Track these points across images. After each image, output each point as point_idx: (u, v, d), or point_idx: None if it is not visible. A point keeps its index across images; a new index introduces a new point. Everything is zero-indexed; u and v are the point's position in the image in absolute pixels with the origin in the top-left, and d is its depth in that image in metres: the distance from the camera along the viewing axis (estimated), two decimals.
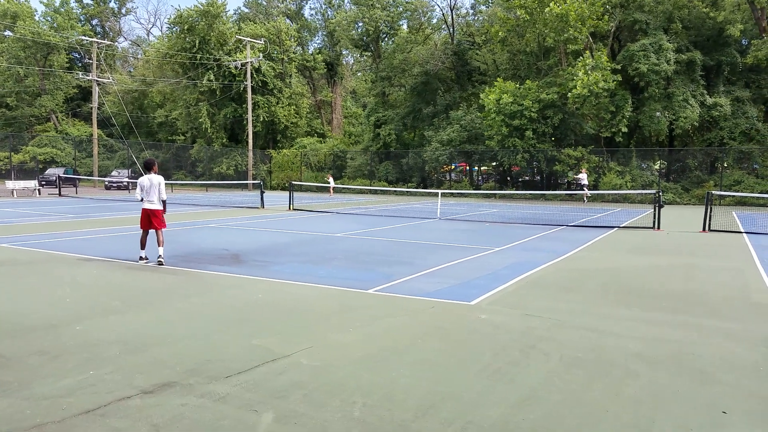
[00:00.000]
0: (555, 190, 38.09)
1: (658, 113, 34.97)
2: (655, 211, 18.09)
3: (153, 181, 10.67)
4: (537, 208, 28.32)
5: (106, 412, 4.07)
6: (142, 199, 10.73)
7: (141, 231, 10.84)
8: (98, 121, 50.06)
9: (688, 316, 7.10)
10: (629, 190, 33.23)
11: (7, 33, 59.27)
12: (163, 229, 10.70)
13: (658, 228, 17.62)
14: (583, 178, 33.28)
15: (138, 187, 10.76)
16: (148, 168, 10.91)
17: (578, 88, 33.01)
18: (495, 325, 6.56)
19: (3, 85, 60.28)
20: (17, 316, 6.65)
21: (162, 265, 10.13)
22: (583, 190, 32.21)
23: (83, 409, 4.11)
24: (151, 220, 10.65)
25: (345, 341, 5.91)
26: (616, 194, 33.97)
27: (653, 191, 21.22)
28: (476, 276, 9.54)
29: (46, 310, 6.95)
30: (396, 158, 46.45)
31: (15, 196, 32.67)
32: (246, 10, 67.47)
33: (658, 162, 39.59)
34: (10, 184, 34.14)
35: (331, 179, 41.52)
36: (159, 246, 10.47)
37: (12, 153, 48.49)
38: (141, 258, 10.49)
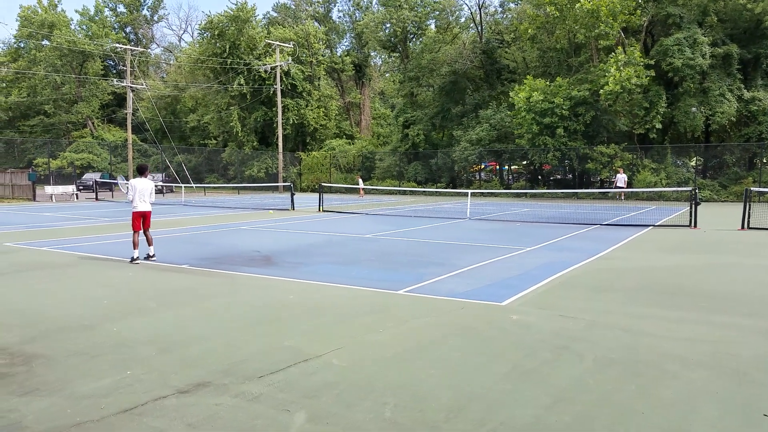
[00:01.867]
0: (587, 188, 37.58)
1: (693, 109, 34.23)
2: (691, 208, 17.71)
3: (146, 185, 11.32)
4: (569, 207, 27.98)
5: (143, 412, 4.16)
6: (132, 200, 11.30)
7: (133, 233, 11.25)
8: (132, 127, 51.07)
9: (725, 315, 6.94)
10: (664, 187, 32.59)
11: (45, 42, 60.92)
12: (148, 229, 11.42)
13: (695, 226, 17.25)
14: (620, 179, 32.69)
15: (130, 187, 11.35)
16: (141, 172, 11.65)
17: (610, 84, 32.52)
18: (526, 325, 6.51)
19: (41, 93, 62.01)
20: (57, 316, 6.83)
21: (151, 259, 10.96)
22: (619, 189, 31.76)
23: (121, 409, 4.20)
24: (143, 221, 11.27)
25: (376, 341, 5.93)
26: (650, 192, 33.33)
27: (689, 188, 20.79)
28: (507, 276, 9.47)
29: (84, 311, 7.13)
30: (425, 158, 46.36)
31: (54, 200, 33.56)
32: (275, 14, 68.15)
33: (694, 158, 38.73)
34: (49, 189, 35.10)
35: (360, 180, 41.64)
36: (150, 245, 11.17)
37: (50, 159, 49.85)
38: (134, 259, 10.83)
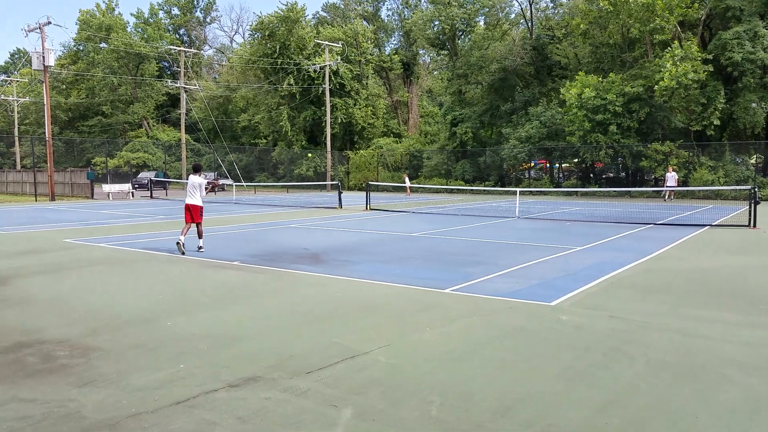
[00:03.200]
0: (641, 186, 36.58)
1: (753, 104, 32.87)
2: (750, 207, 17.04)
3: (195, 182, 12.32)
4: (622, 206, 27.30)
5: (195, 404, 4.28)
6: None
7: (201, 225, 12.37)
8: (186, 127, 52.43)
9: None
10: (722, 186, 31.42)
11: (102, 45, 63.11)
12: (200, 223, 12.30)
13: (755, 226, 16.58)
14: (670, 177, 31.47)
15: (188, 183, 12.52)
16: (196, 171, 12.60)
17: (666, 80, 31.55)
18: (576, 326, 6.39)
19: (99, 95, 64.35)
20: (115, 311, 7.09)
21: (200, 251, 11.88)
22: (669, 188, 30.64)
23: (174, 401, 4.34)
24: (191, 214, 12.20)
25: (422, 340, 5.93)
26: (707, 191, 32.18)
27: (748, 187, 20.00)
28: (557, 276, 9.32)
29: (140, 305, 7.38)
30: (473, 157, 46.00)
31: (110, 198, 34.77)
32: (324, 14, 68.78)
33: (754, 156, 37.20)
34: (107, 187, 36.36)
35: (407, 179, 41.60)
36: (199, 238, 12.18)
37: (108, 158, 51.66)
38: (178, 243, 11.76)
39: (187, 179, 12.71)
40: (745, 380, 4.77)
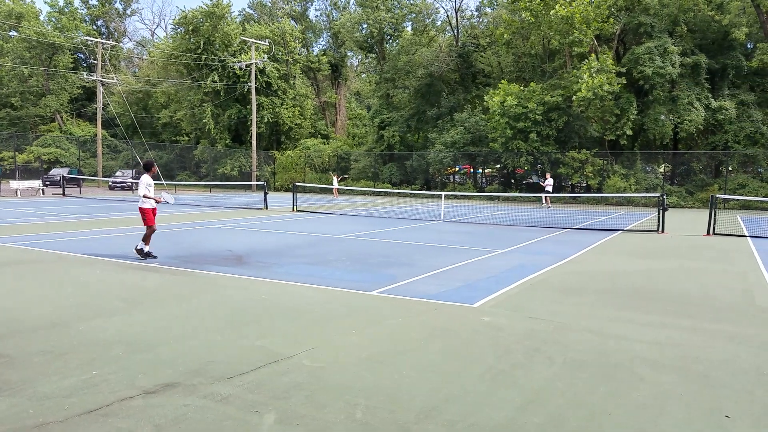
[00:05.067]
0: (559, 192, 38.00)
1: (663, 116, 34.86)
2: (659, 214, 18.04)
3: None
4: (541, 211, 28.28)
5: (109, 412, 4.07)
6: (149, 197, 11.21)
7: (148, 228, 11.19)
8: (102, 122, 50.20)
9: (692, 319, 7.07)
10: (633, 193, 33.13)
11: (12, 33, 59.47)
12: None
13: (663, 231, 17.58)
14: (547, 184, 31.90)
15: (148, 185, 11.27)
16: (148, 169, 11.50)
17: (583, 90, 32.94)
18: (498, 327, 6.54)
19: (8, 85, 60.46)
20: (21, 315, 6.66)
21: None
22: (547, 193, 31.22)
23: (86, 409, 4.11)
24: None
25: (348, 343, 5.90)
26: (620, 197, 33.88)
27: (657, 194, 21.16)
28: (479, 278, 9.52)
29: (50, 309, 6.96)
30: (400, 160, 46.44)
31: (19, 195, 32.78)
32: (251, 12, 67.67)
33: (663, 165, 39.48)
34: (15, 184, 34.24)
35: (335, 179, 41.47)
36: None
37: (16, 153, 48.65)
38: (151, 255, 10.88)
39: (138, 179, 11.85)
40: (654, 377, 5.02)
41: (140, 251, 10.90)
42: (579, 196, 36.33)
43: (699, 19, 36.23)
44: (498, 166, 42.12)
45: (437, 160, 42.34)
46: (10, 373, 4.79)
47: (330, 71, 62.47)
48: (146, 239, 11.04)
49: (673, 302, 8.02)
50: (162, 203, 11.78)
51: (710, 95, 35.65)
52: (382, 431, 3.88)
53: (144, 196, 11.13)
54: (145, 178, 11.20)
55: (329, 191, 41.72)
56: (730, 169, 35.83)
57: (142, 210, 11.18)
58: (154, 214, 11.33)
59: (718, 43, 36.51)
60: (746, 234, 17.85)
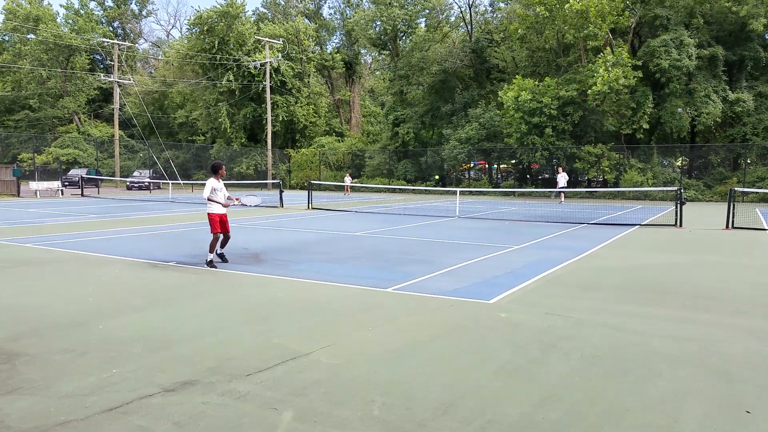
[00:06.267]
0: (575, 187, 37.76)
1: (679, 109, 34.51)
2: (676, 208, 17.86)
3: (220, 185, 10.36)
4: (557, 206, 28.11)
5: (129, 410, 4.12)
6: (216, 200, 10.25)
7: (213, 236, 10.23)
8: (120, 122, 50.66)
9: (711, 314, 7.00)
10: (650, 187, 32.83)
11: (30, 36, 60.17)
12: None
13: (681, 225, 17.39)
14: (560, 178, 31.76)
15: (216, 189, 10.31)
16: (215, 171, 10.46)
17: (598, 84, 32.69)
18: (514, 323, 6.52)
19: (26, 88, 61.22)
20: (42, 314, 6.76)
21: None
22: (560, 190, 30.88)
23: (106, 407, 4.16)
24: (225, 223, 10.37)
25: (364, 339, 5.92)
26: (637, 191, 33.58)
27: (674, 188, 20.95)
28: (495, 274, 9.49)
29: (70, 308, 7.06)
30: (414, 157, 46.40)
31: (38, 196, 33.22)
32: (264, 11, 67.87)
33: (680, 159, 39.06)
34: (34, 184, 34.69)
35: (348, 178, 41.53)
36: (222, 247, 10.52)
37: (35, 154, 49.30)
38: (212, 265, 10.01)
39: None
40: (672, 372, 4.98)
41: (209, 263, 9.97)
42: (595, 191, 36.05)
43: (716, 11, 35.74)
44: (513, 161, 41.93)
45: (452, 157, 42.24)
46: (32, 372, 4.87)
47: (344, 69, 62.53)
48: (210, 248, 10.11)
49: (692, 297, 7.94)
50: (238, 206, 10.37)
51: (728, 87, 35.20)
52: (399, 428, 3.89)
53: (208, 199, 10.15)
54: (210, 182, 10.19)
55: (342, 188, 41.81)
56: (748, 161, 35.38)
57: (207, 215, 10.31)
58: (222, 221, 10.20)
59: (735, 35, 35.99)
60: (766, 227, 17.61)
